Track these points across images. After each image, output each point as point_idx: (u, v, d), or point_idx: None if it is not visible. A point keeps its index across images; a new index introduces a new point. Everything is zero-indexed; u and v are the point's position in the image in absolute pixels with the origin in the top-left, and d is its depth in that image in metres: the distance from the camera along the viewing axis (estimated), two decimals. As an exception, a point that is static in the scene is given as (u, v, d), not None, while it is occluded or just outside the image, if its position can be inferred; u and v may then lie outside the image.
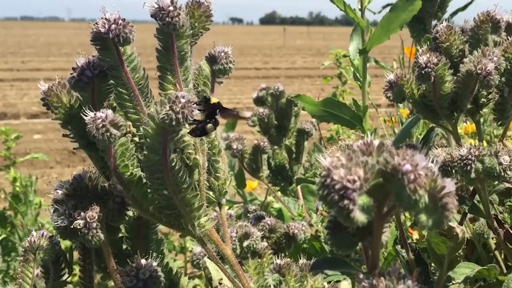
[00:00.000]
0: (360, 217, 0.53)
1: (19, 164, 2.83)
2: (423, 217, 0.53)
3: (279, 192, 2.01)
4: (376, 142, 0.58)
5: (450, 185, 0.53)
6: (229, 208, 2.24)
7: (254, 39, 36.23)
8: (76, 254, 1.02)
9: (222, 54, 0.96)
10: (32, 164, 6.70)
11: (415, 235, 1.65)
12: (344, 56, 2.86)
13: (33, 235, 0.97)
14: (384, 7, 1.60)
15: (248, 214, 1.64)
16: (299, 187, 1.94)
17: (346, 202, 0.52)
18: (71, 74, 0.84)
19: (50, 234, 0.98)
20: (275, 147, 1.96)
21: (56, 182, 0.91)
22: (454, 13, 1.64)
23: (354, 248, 0.63)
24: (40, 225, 2.51)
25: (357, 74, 1.61)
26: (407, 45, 2.40)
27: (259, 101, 1.98)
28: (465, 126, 1.91)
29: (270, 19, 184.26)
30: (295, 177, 1.92)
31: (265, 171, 1.92)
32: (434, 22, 1.45)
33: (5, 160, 2.86)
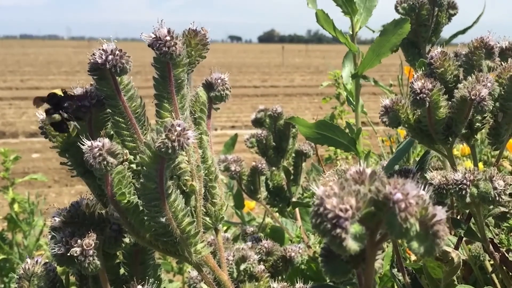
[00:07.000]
0: (352, 245, 0.54)
1: (17, 184, 2.84)
2: (414, 245, 0.54)
3: (277, 213, 2.00)
4: (369, 171, 0.59)
5: (441, 213, 0.53)
6: (226, 230, 2.24)
7: (253, 57, 36.35)
8: (73, 279, 1.02)
9: (219, 81, 0.97)
10: (30, 183, 6.70)
11: (413, 256, 1.65)
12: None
13: (27, 262, 0.97)
14: (381, 28, 1.61)
15: (246, 236, 1.64)
16: (297, 208, 1.93)
17: (338, 230, 0.52)
18: (69, 103, 0.85)
19: (45, 261, 0.98)
20: (273, 168, 1.96)
21: (55, 208, 0.92)
22: (454, 35, 1.65)
23: (347, 275, 0.64)
24: (37, 248, 2.51)
25: (350, 98, 1.62)
26: (406, 64, 2.41)
27: (257, 122, 1.98)
28: (461, 148, 1.91)
29: (268, 37, 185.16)
30: (292, 200, 1.92)
31: (263, 193, 1.91)
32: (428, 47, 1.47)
33: (3, 180, 2.86)
